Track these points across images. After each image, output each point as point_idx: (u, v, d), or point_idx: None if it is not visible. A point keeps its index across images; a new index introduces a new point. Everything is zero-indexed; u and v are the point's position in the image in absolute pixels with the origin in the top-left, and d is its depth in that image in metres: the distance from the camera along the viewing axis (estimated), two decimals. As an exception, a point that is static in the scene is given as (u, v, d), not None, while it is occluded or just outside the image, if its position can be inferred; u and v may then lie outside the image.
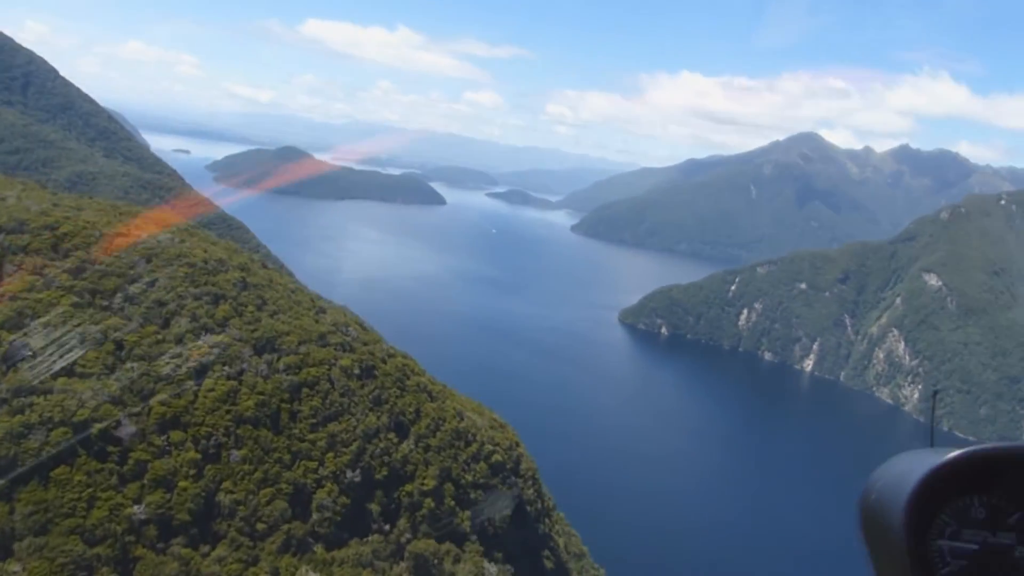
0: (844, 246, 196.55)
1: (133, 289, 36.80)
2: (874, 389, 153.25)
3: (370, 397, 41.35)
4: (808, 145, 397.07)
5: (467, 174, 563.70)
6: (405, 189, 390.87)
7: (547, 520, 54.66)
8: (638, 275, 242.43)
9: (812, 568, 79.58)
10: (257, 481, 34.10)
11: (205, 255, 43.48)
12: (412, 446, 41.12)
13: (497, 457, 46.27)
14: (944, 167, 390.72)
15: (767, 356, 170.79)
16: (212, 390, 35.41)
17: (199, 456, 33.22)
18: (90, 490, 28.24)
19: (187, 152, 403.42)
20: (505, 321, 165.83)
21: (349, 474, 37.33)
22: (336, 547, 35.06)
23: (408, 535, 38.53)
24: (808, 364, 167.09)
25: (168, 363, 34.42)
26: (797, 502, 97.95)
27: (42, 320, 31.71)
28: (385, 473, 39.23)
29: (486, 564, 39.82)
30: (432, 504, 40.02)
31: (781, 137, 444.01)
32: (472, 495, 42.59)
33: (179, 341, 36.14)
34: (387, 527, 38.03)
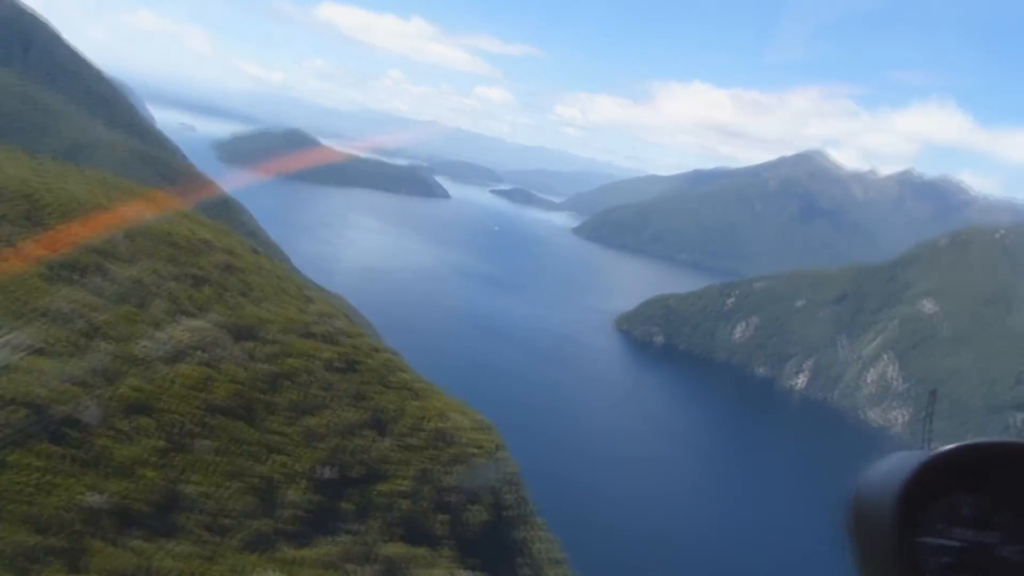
0: (843, 266, 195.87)
1: (110, 267, 35.55)
2: (864, 410, 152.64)
3: (351, 392, 40.17)
4: (814, 163, 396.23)
5: (473, 169, 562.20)
6: (409, 181, 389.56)
7: (526, 526, 53.56)
8: (637, 281, 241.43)
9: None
10: (225, 473, 32.88)
11: (190, 235, 42.25)
12: (391, 445, 39.95)
13: (479, 460, 45.09)
14: (945, 195, 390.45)
15: (760, 371, 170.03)
16: (185, 377, 34.19)
17: (166, 444, 31.99)
18: (47, 476, 27.00)
19: (192, 128, 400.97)
20: (500, 319, 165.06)
21: (323, 471, 36.11)
22: (303, 546, 33.85)
23: (380, 537, 37.33)
24: (800, 382, 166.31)
25: (142, 346, 33.18)
26: (774, 512, 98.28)
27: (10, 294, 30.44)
28: (361, 471, 38.03)
29: (459, 571, 38.66)
30: (408, 506, 38.83)
31: (788, 153, 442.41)
32: (450, 498, 41.40)
33: (155, 324, 34.91)
34: (359, 528, 36.83)
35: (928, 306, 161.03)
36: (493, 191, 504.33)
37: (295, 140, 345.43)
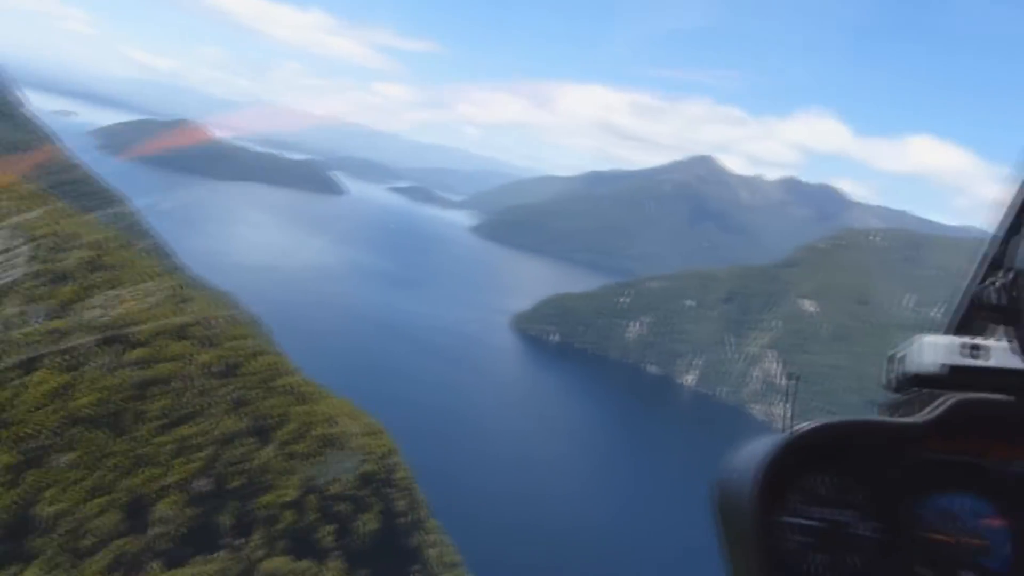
0: (731, 267, 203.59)
1: (-48, 263, 32.09)
2: (749, 406, 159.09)
3: (231, 398, 37.90)
4: (705, 167, 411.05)
5: (370, 166, 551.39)
6: (304, 176, 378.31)
7: (420, 531, 52.38)
8: (534, 281, 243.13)
9: (674, 567, 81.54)
10: (87, 490, 30.24)
11: (54, 227, 38.79)
12: (274, 453, 37.93)
13: (368, 466, 43.61)
14: (825, 200, 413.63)
15: (652, 369, 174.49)
16: (41, 384, 31.20)
17: (19, 460, 29.07)
18: None
19: (72, 114, 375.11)
20: (396, 318, 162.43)
21: (198, 483, 33.82)
22: (177, 565, 31.58)
23: (262, 551, 35.36)
24: (690, 379, 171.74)
25: (-11, 350, 30.06)
26: (665, 507, 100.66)
27: None
28: (241, 482, 35.91)
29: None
30: (292, 517, 36.96)
31: (681, 157, 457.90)
32: (337, 508, 39.77)
33: (6, 325, 31.70)
34: (239, 542, 34.74)
35: (809, 306, 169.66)
36: (391, 188, 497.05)
37: (183, 130, 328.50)
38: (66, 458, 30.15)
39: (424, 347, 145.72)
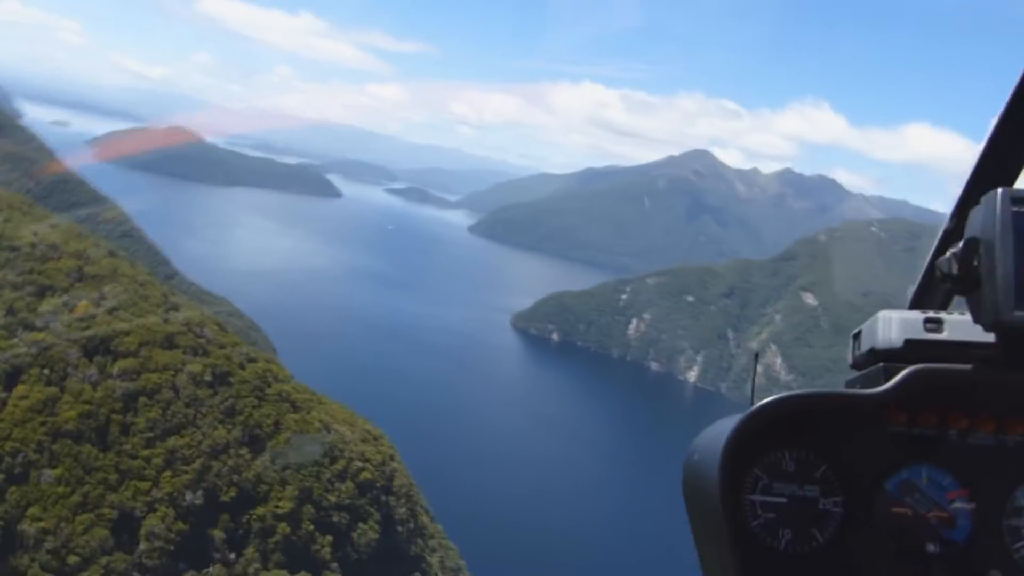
0: (730, 262, 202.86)
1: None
2: (752, 401, 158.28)
3: (221, 407, 36.90)
4: (701, 162, 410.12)
5: (366, 168, 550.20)
6: (300, 179, 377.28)
7: (420, 539, 51.42)
8: (533, 279, 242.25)
9: (678, 565, 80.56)
10: (73, 506, 29.25)
11: (34, 238, 37.77)
12: (268, 463, 36.93)
13: (366, 474, 42.62)
14: (823, 192, 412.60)
15: (654, 366, 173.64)
16: (25, 398, 30.20)
17: (0, 477, 28.05)
18: None
19: (67, 124, 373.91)
20: (395, 319, 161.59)
21: (189, 496, 32.82)
22: (167, 581, 30.60)
23: (257, 564, 34.38)
24: (692, 375, 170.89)
25: (-33, 365, 29.05)
26: (668, 503, 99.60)
27: None
28: (233, 494, 34.93)
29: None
30: (287, 529, 35.98)
31: (676, 152, 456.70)
32: (335, 518, 38.78)
33: (-14, 339, 30.72)
34: (232, 556, 33.76)
35: (809, 300, 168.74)
36: (387, 190, 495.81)
37: (177, 137, 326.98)
38: (51, 473, 29.14)
39: (425, 347, 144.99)
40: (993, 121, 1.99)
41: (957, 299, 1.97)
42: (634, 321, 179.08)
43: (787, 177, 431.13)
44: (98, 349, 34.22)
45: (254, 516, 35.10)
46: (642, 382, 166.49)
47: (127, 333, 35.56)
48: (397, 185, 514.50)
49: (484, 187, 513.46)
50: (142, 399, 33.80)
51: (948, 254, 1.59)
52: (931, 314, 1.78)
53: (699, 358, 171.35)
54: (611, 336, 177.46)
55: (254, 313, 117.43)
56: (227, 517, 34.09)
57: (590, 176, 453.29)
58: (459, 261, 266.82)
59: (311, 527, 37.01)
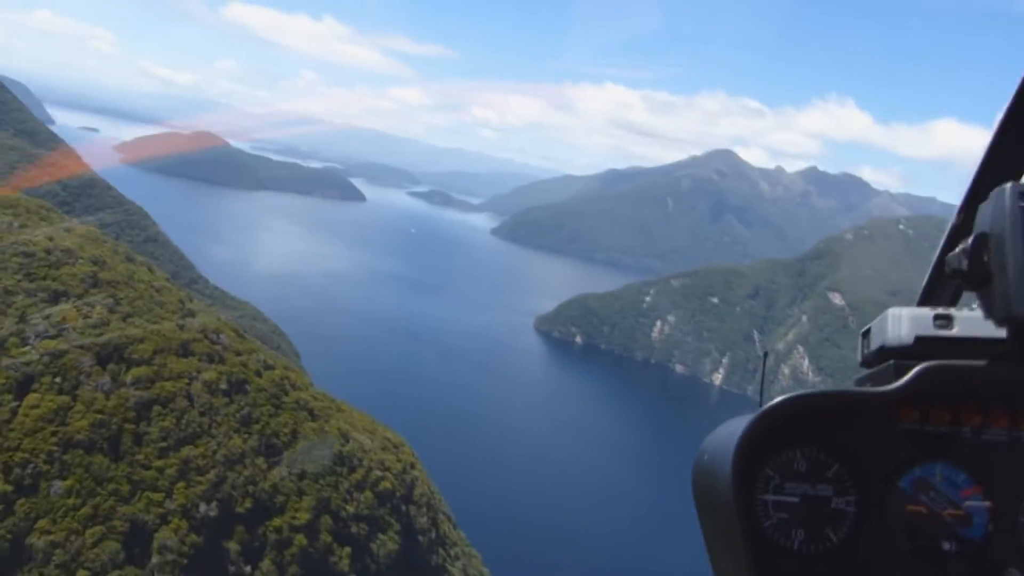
0: (755, 262, 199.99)
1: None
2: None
3: (237, 416, 36.09)
4: (724, 161, 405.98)
5: (389, 171, 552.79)
6: (324, 183, 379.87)
7: (442, 548, 50.35)
8: (556, 282, 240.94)
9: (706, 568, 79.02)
10: (84, 518, 28.52)
11: (49, 243, 37.27)
12: (284, 473, 36.06)
13: (386, 484, 41.66)
14: (848, 190, 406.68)
15: (678, 368, 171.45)
16: (36, 407, 29.55)
17: (9, 488, 27.40)
18: None
19: (95, 130, 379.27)
20: (418, 323, 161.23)
21: (203, 507, 32.01)
22: (180, 596, 29.77)
23: (273, 577, 33.48)
24: (717, 377, 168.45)
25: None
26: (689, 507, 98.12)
27: None
28: (249, 505, 34.06)
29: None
30: (304, 541, 35.05)
31: (699, 152, 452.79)
32: (354, 528, 37.82)
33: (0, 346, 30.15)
34: (248, 569, 32.88)
35: (837, 299, 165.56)
36: (410, 193, 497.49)
37: (204, 141, 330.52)
38: (61, 485, 28.44)
39: (448, 351, 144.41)
40: (999, 115, 1.97)
41: (966, 295, 1.94)
42: (658, 323, 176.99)
43: (812, 175, 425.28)
44: (112, 356, 33.59)
45: (270, 528, 34.20)
46: (667, 385, 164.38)
47: (141, 340, 34.92)
48: (420, 188, 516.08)
49: (506, 190, 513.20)
50: (156, 408, 33.07)
51: (957, 250, 1.58)
52: (941, 310, 1.77)
53: (724, 360, 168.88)
54: (635, 339, 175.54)
55: (277, 317, 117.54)
56: (242, 529, 33.22)
57: (613, 177, 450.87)
58: (482, 264, 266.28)
59: (329, 538, 36.05)
